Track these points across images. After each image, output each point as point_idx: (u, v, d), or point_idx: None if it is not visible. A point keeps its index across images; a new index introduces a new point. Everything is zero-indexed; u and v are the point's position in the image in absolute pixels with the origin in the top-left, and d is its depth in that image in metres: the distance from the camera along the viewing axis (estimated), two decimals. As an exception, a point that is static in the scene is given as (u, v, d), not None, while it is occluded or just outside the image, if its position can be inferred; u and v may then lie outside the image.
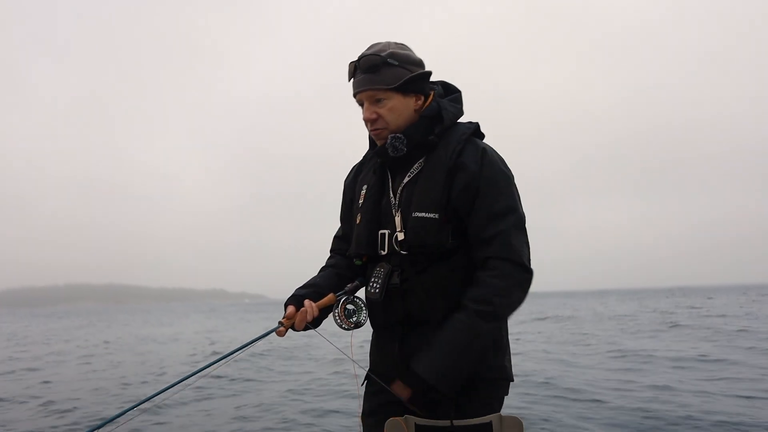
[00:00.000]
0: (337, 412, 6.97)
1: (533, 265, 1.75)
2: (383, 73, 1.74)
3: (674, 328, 18.39)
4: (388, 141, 1.78)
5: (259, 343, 1.75)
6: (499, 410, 1.75)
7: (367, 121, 1.81)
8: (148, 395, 1.74)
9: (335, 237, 2.10)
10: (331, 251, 2.09)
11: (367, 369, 1.92)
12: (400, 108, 1.78)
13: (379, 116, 1.78)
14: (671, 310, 30.69)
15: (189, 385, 1.76)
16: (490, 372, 1.76)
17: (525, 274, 1.69)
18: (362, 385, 1.93)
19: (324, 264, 2.04)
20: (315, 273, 2.00)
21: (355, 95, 1.80)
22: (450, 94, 1.91)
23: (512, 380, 1.84)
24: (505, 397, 1.83)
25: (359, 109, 1.83)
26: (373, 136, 1.85)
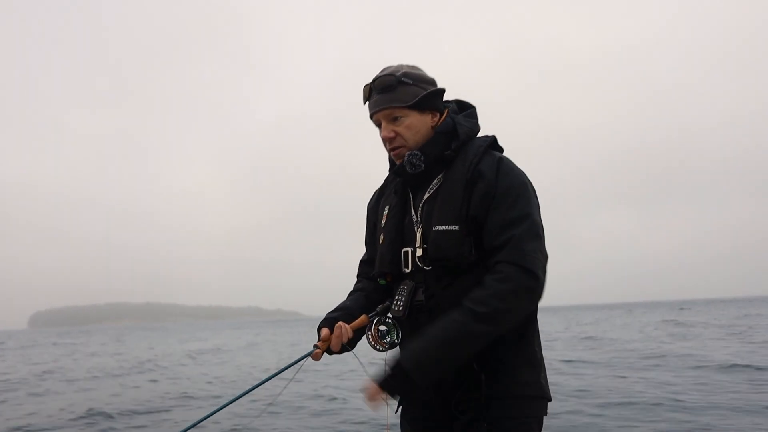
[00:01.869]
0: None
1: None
2: (399, 92, 1.75)
3: None
4: (406, 158, 1.76)
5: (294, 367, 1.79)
6: (538, 431, 1.70)
7: (385, 140, 1.80)
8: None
9: (361, 261, 2.07)
10: (357, 276, 2.07)
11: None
12: (418, 125, 1.77)
13: (397, 134, 1.77)
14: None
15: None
16: (526, 389, 1.69)
17: (531, 281, 1.58)
18: (396, 412, 1.85)
19: (352, 289, 2.03)
20: (349, 289, 2.03)
21: (371, 116, 1.81)
22: (464, 110, 1.89)
23: (550, 399, 1.75)
24: (545, 417, 1.74)
25: (369, 131, 1.88)
26: (392, 155, 1.84)
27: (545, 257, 1.65)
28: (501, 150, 1.84)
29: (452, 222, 1.68)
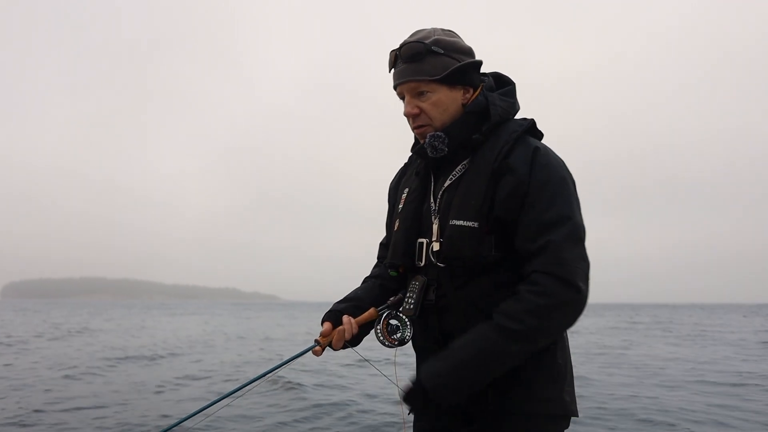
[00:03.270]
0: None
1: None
2: (427, 63, 1.54)
3: None
4: (427, 140, 1.57)
5: (294, 362, 1.65)
6: None
7: (408, 116, 1.60)
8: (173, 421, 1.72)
9: (381, 244, 1.90)
10: (378, 259, 1.91)
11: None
12: (446, 102, 1.57)
13: (422, 111, 1.57)
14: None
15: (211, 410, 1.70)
16: (543, 406, 1.50)
17: (573, 294, 1.40)
18: (408, 414, 1.70)
19: (368, 273, 1.86)
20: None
21: (395, 87, 1.61)
22: (502, 87, 1.67)
23: (575, 415, 1.56)
24: None
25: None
26: (415, 134, 1.65)
27: (587, 264, 1.46)
28: (540, 136, 1.63)
29: (472, 217, 1.50)
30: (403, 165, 1.84)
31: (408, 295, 1.61)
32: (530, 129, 1.60)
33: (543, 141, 1.63)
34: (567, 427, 1.57)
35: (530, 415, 1.50)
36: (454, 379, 1.42)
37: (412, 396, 1.46)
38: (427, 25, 1.66)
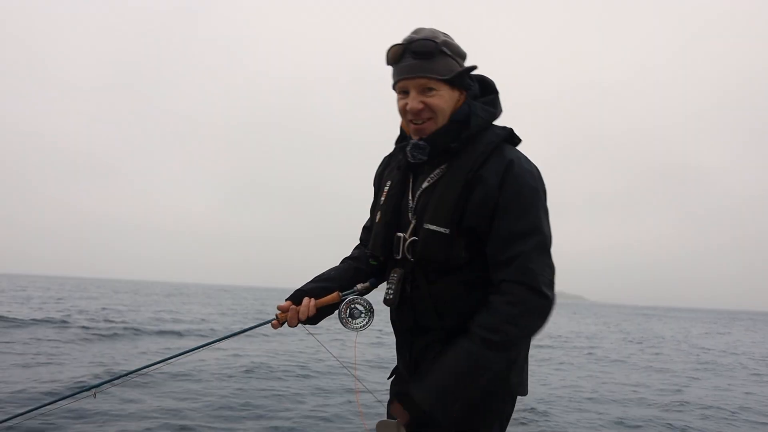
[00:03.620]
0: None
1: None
2: (437, 62, 1.59)
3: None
4: (409, 146, 1.65)
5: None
6: (503, 428, 1.68)
7: (411, 111, 1.63)
8: (128, 370, 1.84)
9: (364, 227, 2.00)
10: (360, 240, 2.01)
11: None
12: (448, 102, 1.64)
13: (426, 106, 1.62)
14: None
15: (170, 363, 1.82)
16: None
17: (541, 300, 1.53)
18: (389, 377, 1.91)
19: (348, 254, 1.97)
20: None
21: (399, 81, 1.64)
22: (486, 92, 1.73)
23: (522, 394, 1.70)
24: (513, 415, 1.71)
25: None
26: (414, 129, 1.67)
27: (552, 271, 1.58)
28: (517, 142, 1.70)
29: (444, 224, 1.60)
30: (388, 154, 1.89)
31: (388, 285, 1.73)
32: (508, 138, 1.67)
33: (520, 147, 1.72)
34: (512, 405, 1.71)
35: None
36: (449, 394, 1.51)
37: (412, 419, 1.55)
38: (427, 24, 1.70)
